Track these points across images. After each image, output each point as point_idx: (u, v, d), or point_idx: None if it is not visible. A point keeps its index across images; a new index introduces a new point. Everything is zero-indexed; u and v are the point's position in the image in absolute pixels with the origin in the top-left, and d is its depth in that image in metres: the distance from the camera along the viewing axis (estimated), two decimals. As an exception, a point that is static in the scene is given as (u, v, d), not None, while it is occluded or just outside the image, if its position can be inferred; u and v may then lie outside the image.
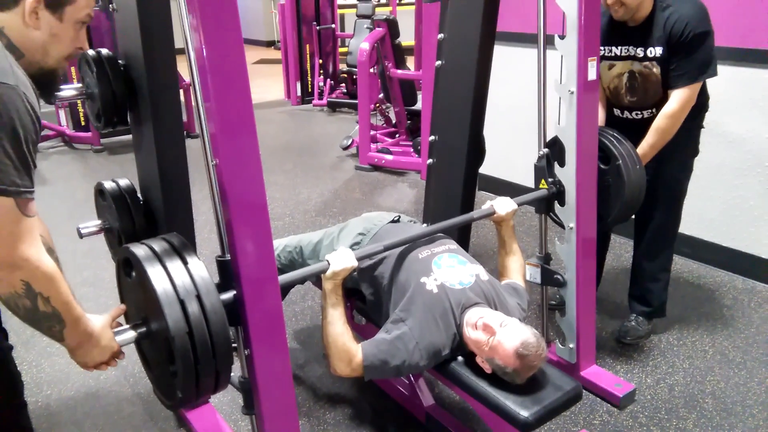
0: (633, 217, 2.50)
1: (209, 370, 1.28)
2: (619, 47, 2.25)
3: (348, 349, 1.65)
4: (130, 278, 1.34)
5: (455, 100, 2.32)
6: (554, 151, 2.10)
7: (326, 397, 2.22)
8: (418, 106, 4.98)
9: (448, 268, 1.80)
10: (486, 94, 2.30)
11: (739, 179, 2.95)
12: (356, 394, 2.24)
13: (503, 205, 2.01)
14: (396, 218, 2.08)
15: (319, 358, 2.43)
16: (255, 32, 12.69)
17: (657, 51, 2.16)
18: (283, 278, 1.52)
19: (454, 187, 2.36)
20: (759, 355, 2.42)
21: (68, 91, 1.87)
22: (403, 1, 8.10)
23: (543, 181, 2.14)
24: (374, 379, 1.77)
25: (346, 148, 5.18)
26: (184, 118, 5.25)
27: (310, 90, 7.16)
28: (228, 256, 1.37)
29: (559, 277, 2.16)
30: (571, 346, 2.21)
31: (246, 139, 1.32)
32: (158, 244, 1.31)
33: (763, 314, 2.70)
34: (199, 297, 1.25)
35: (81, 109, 5.46)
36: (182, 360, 1.23)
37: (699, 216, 3.10)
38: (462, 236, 2.45)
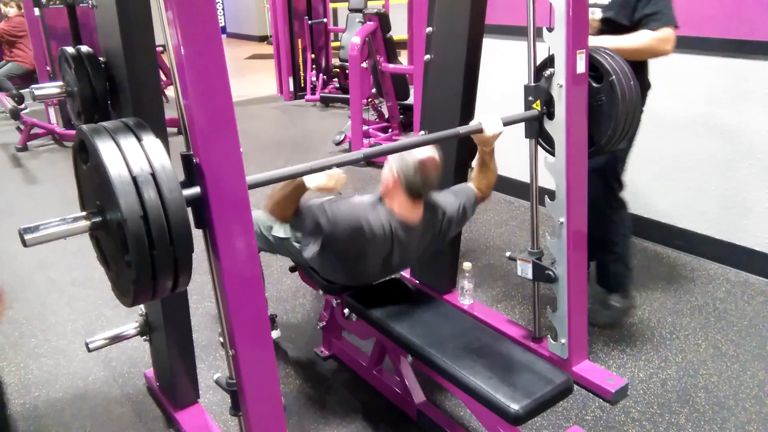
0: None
1: (166, 258, 1.16)
2: None
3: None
4: (86, 165, 1.25)
5: (445, 95, 2.30)
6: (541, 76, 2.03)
7: (317, 396, 2.21)
8: (411, 100, 4.94)
9: None
10: (476, 88, 2.28)
11: (731, 171, 2.93)
12: (347, 393, 2.22)
13: (491, 125, 1.94)
14: None
15: (311, 356, 2.42)
16: (247, 27, 12.63)
17: None
18: None
19: (445, 183, 2.34)
20: (752, 348, 2.41)
21: (49, 89, 1.84)
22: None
23: (538, 102, 2.03)
24: (305, 212, 1.79)
25: (339, 143, 5.14)
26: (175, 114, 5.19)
27: (302, 85, 7.11)
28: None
29: (551, 272, 2.14)
30: (563, 341, 2.20)
31: (226, 135, 1.30)
32: (113, 124, 1.23)
33: (756, 307, 2.69)
34: (154, 176, 1.16)
35: (71, 107, 5.41)
36: (135, 243, 1.12)
37: (691, 208, 3.09)
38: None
